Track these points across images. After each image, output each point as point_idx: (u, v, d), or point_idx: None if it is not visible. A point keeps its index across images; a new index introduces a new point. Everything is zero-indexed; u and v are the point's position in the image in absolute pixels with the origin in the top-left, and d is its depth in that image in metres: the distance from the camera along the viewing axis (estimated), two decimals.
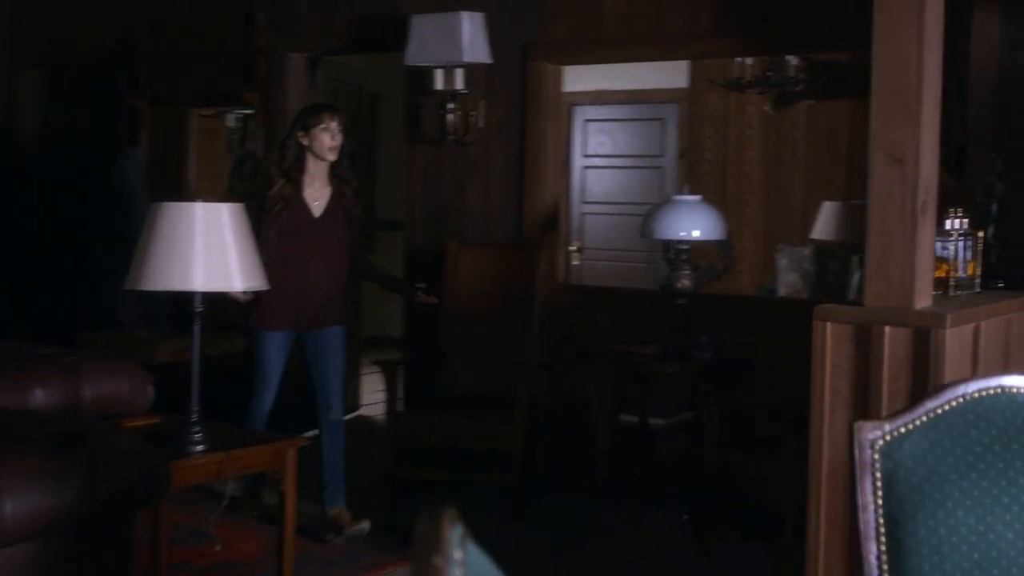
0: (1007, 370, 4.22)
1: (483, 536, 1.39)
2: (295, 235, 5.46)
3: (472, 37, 6.31)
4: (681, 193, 6.41)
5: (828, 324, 3.87)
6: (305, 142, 5.45)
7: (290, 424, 6.03)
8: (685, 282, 5.93)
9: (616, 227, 10.20)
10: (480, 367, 6.16)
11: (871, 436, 2.16)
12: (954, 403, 2.18)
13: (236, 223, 4.27)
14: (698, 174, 9.79)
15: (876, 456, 2.16)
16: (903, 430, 2.16)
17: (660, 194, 10.17)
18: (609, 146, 10.18)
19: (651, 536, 5.68)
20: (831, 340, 3.86)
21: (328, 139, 5.41)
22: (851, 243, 8.35)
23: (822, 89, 7.59)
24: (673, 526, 5.77)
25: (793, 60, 7.44)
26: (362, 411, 8.41)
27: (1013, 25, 4.64)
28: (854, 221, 8.73)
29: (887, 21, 3.78)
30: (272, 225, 5.41)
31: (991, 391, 2.20)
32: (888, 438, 2.16)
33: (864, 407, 3.83)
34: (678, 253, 5.98)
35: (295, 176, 5.46)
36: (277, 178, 5.46)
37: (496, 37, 6.39)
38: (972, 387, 2.20)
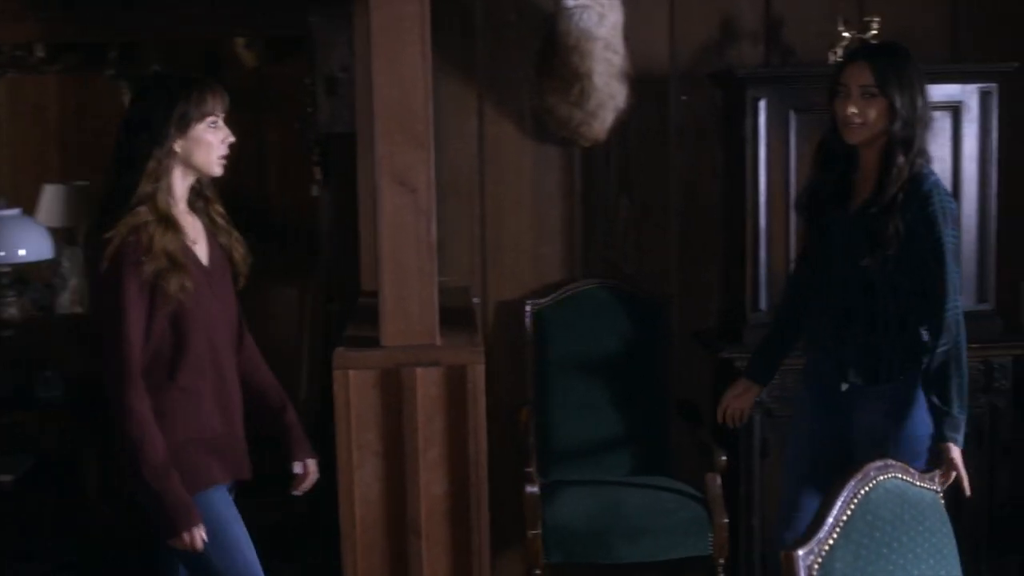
0: None
1: None
2: (195, 314, 3.11)
3: None
4: None
5: (350, 372, 3.52)
6: (178, 148, 3.11)
7: None
8: (12, 311, 5.11)
9: None
10: None
11: (807, 562, 1.99)
12: (852, 507, 2.10)
13: None
14: None
15: None
16: (827, 547, 2.03)
17: None
18: None
19: None
20: (354, 389, 3.53)
21: (218, 141, 3.16)
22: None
23: (76, 67, 6.95)
24: None
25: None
26: None
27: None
28: (82, 204, 8.16)
29: (388, 42, 3.49)
30: (151, 314, 3.03)
31: (869, 485, 2.16)
32: (821, 559, 2.01)
33: (397, 456, 3.56)
34: None
35: (167, 210, 3.09)
36: (155, 226, 3.04)
37: None
38: (854, 487, 2.14)
